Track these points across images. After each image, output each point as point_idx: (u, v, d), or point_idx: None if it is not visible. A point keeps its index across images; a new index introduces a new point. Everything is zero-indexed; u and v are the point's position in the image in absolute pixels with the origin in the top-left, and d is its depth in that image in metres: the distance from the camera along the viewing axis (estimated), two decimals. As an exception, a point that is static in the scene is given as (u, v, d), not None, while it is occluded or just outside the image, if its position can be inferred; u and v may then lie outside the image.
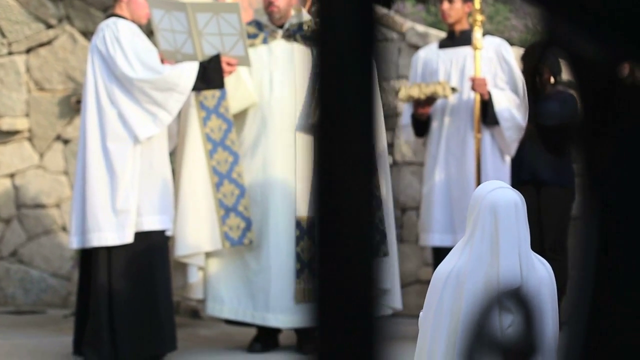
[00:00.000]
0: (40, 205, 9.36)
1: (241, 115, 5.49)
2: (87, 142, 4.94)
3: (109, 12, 6.67)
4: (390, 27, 8.65)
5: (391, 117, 8.23)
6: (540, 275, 2.75)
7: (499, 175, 5.98)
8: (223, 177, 5.29)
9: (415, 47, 7.46)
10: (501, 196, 2.74)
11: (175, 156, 5.47)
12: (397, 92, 5.53)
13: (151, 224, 4.91)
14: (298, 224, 5.39)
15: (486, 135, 5.95)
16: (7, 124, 9.34)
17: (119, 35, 4.96)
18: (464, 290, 2.67)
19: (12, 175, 9.49)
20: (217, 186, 5.28)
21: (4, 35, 9.26)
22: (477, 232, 2.71)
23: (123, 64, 4.88)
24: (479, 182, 5.75)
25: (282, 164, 5.41)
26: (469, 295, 2.66)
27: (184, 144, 5.33)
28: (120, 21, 5.06)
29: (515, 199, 2.75)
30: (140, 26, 5.21)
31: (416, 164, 8.38)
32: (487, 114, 5.83)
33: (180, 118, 5.36)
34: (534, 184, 6.51)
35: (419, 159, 7.49)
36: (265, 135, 5.43)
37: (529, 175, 6.54)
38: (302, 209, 5.39)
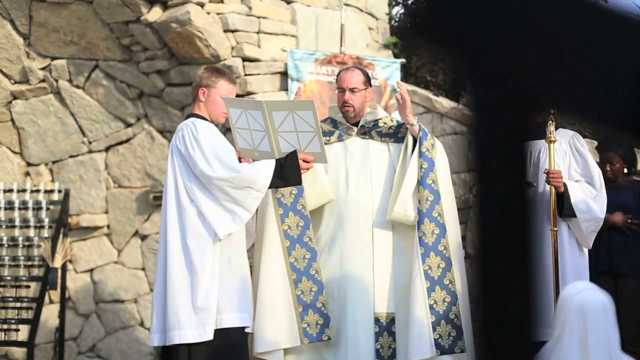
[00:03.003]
0: (118, 301, 9.48)
1: (318, 212, 5.53)
2: (167, 240, 5.01)
3: (187, 112, 6.82)
4: (461, 120, 8.70)
5: (463, 210, 8.22)
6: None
7: (578, 268, 5.91)
8: (301, 273, 5.33)
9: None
10: (589, 298, 2.72)
11: (253, 253, 5.52)
12: (470, 187, 5.52)
13: (231, 321, 4.94)
14: (377, 320, 5.38)
15: (563, 228, 5.90)
16: (86, 221, 9.53)
17: (198, 135, 5.05)
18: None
19: (91, 271, 9.64)
20: (295, 283, 5.31)
21: (84, 134, 9.51)
22: (565, 335, 2.68)
23: (202, 163, 4.96)
24: (557, 276, 5.68)
25: (359, 260, 5.42)
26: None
27: (262, 241, 5.38)
28: (198, 121, 5.16)
29: (603, 300, 2.73)
30: (217, 125, 5.31)
31: (491, 256, 8.34)
32: (563, 207, 5.79)
33: (258, 215, 5.42)
34: (612, 275, 6.43)
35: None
36: (342, 231, 5.46)
37: (606, 266, 6.46)
38: (380, 305, 5.38)
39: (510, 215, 1.37)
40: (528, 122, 1.40)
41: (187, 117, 5.30)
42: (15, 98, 9.53)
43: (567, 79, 1.30)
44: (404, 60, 9.55)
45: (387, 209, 5.43)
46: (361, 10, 10.25)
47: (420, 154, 5.38)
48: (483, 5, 1.31)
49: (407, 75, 10.13)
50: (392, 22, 11.66)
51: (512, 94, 1.33)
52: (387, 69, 9.10)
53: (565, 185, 5.77)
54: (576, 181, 5.93)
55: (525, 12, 1.29)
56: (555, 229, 5.76)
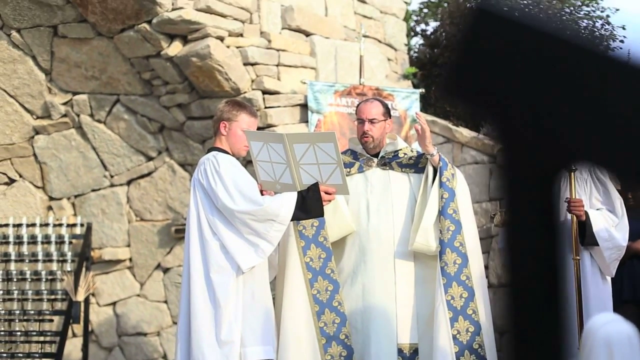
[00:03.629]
0: (141, 334, 9.49)
1: (340, 244, 5.54)
2: (191, 273, 5.03)
3: (208, 145, 6.86)
4: (481, 149, 8.71)
5: (485, 239, 8.20)
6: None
7: (601, 296, 5.88)
8: (324, 305, 5.33)
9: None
10: (615, 330, 2.71)
11: (275, 285, 5.53)
12: (491, 217, 5.52)
13: (255, 355, 4.94)
14: (400, 351, 5.37)
15: (585, 257, 5.88)
16: (109, 254, 9.58)
17: (220, 168, 5.07)
18: None
19: (113, 304, 9.67)
20: (318, 315, 5.31)
21: (106, 168, 9.57)
22: (591, 366, 2.68)
23: (224, 196, 4.98)
24: (580, 304, 5.66)
25: (382, 291, 5.42)
26: None
27: (285, 273, 5.39)
28: (220, 154, 5.18)
29: (629, 332, 2.72)
30: (238, 158, 5.34)
31: (513, 285, 8.31)
32: (585, 235, 5.77)
33: (280, 247, 5.43)
34: (635, 303, 6.40)
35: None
36: (364, 262, 5.47)
37: (630, 294, 6.43)
38: (403, 336, 5.37)
39: (539, 253, 1.39)
40: (557, 174, 1.42)
41: (209, 150, 5.34)
42: (37, 133, 9.61)
43: (596, 134, 1.32)
44: (423, 90, 9.58)
45: (409, 239, 5.44)
46: (380, 42, 10.31)
47: (441, 184, 5.39)
48: (509, 64, 1.34)
49: (427, 105, 10.16)
50: (411, 52, 11.71)
51: (541, 149, 1.35)
52: (407, 100, 9.13)
53: (586, 213, 5.76)
54: (597, 209, 5.91)
55: (553, 68, 1.31)
56: (578, 257, 5.74)
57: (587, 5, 11.56)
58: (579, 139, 1.34)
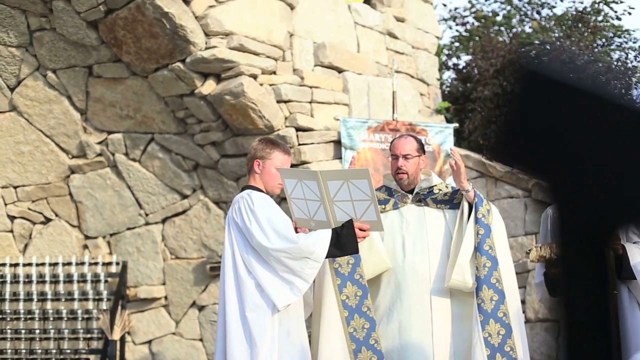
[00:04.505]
0: (177, 372, 9.48)
1: (375, 281, 5.52)
2: (226, 312, 5.02)
3: (242, 182, 6.88)
4: (515, 183, 8.66)
5: (521, 273, 8.14)
6: None
7: (639, 331, 5.80)
8: (360, 343, 5.29)
9: (542, 203, 7.43)
10: None
11: (311, 323, 5.50)
12: (527, 252, 5.47)
13: (291, 392, 4.92)
14: (437, 388, 5.32)
15: (623, 291, 5.81)
16: (144, 292, 9.60)
17: (254, 206, 5.07)
18: None
19: (149, 342, 9.68)
20: (355, 353, 5.27)
21: (141, 207, 9.63)
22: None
23: (259, 234, 4.97)
24: (618, 340, 5.58)
25: (418, 328, 5.38)
26: None
27: (320, 311, 5.37)
28: (254, 193, 5.18)
29: None
30: (272, 196, 5.34)
31: (550, 321, 8.23)
32: (623, 269, 5.71)
33: (316, 285, 5.41)
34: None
35: (553, 316, 7.34)
36: (400, 299, 5.43)
37: (670, 329, 6.33)
38: (441, 373, 5.33)
39: (593, 308, 1.39)
40: (610, 233, 1.41)
41: (243, 189, 5.34)
42: (73, 172, 9.69)
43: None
44: (456, 124, 9.56)
45: (445, 276, 5.40)
46: (412, 77, 10.32)
47: (477, 220, 5.36)
48: (559, 126, 1.33)
49: (460, 139, 10.14)
50: (443, 87, 11.71)
51: (593, 211, 1.34)
52: (440, 134, 9.12)
53: (623, 247, 5.70)
54: (634, 243, 5.85)
55: (603, 130, 1.31)
56: (615, 292, 5.67)
57: (620, 37, 11.53)
58: (630, 202, 1.33)
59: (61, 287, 9.19)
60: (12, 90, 9.41)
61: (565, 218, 1.37)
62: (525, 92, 1.35)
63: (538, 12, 13.77)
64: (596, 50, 10.77)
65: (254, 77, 8.52)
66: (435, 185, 5.67)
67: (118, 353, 8.59)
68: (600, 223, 1.37)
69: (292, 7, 9.03)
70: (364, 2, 10.40)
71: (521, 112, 1.34)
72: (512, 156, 1.39)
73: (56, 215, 9.86)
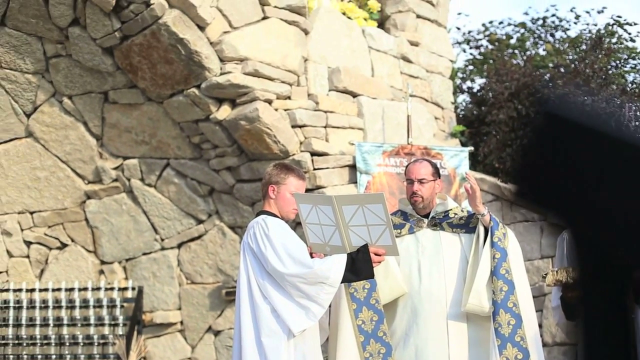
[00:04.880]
0: (193, 397, 9.46)
1: (391, 306, 5.50)
2: (242, 337, 5.01)
3: (258, 207, 6.89)
4: (531, 207, 8.64)
5: (538, 297, 8.10)
6: None
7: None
8: (376, 368, 5.28)
9: (558, 227, 7.40)
10: None
11: (327, 348, 5.49)
12: (543, 276, 5.45)
13: (307, 418, 4.90)
14: (454, 413, 5.29)
15: (640, 315, 5.78)
16: (160, 317, 9.60)
17: (269, 232, 5.07)
18: None
19: (165, 368, 9.67)
20: (371, 378, 5.26)
21: (156, 232, 9.64)
22: None
23: (274, 260, 4.97)
24: (637, 363, 5.55)
25: (435, 353, 5.35)
26: None
27: (337, 336, 5.35)
28: (269, 218, 5.18)
29: None
30: (287, 221, 5.34)
31: (568, 345, 8.18)
32: (639, 294, 5.68)
33: (331, 310, 5.40)
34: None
35: (571, 339, 7.30)
36: (416, 324, 5.41)
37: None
38: (458, 398, 5.30)
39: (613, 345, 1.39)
40: (631, 276, 1.41)
41: (258, 214, 5.34)
42: (89, 198, 9.73)
43: None
44: (471, 148, 9.56)
45: (461, 300, 5.38)
46: (427, 100, 10.33)
47: (493, 244, 5.34)
48: (579, 167, 1.34)
49: (475, 162, 10.13)
50: (458, 110, 11.71)
51: (614, 253, 1.34)
52: (456, 158, 9.11)
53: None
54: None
55: (624, 172, 1.31)
56: (633, 316, 5.64)
57: (634, 59, 11.51)
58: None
59: (77, 313, 9.20)
60: (28, 116, 9.46)
61: (583, 247, 1.37)
62: (544, 134, 1.35)
63: (552, 35, 13.78)
64: (610, 72, 10.76)
65: (269, 102, 8.55)
66: (451, 210, 5.66)
67: (134, 378, 8.58)
68: (620, 262, 1.36)
69: (306, 32, 9.06)
70: (378, 26, 10.43)
71: (541, 154, 1.34)
72: (532, 196, 1.39)
73: (72, 240, 9.89)
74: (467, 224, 5.57)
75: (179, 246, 9.65)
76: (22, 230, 9.89)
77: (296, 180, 5.32)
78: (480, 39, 14.03)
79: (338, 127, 8.96)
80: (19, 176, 9.66)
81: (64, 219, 9.83)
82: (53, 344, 9.06)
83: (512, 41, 13.92)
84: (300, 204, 5.09)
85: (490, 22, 14.25)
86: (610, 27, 11.40)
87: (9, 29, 8.86)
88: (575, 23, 13.45)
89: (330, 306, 5.24)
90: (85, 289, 9.33)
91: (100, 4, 8.17)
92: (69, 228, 9.86)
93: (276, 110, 8.59)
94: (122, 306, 9.20)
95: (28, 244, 9.93)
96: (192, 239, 9.59)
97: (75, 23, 8.64)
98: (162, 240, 9.68)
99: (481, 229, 5.43)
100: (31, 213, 9.85)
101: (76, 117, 9.38)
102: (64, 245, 9.92)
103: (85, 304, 9.21)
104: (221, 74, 8.37)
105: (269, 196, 5.30)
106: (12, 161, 9.60)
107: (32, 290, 9.45)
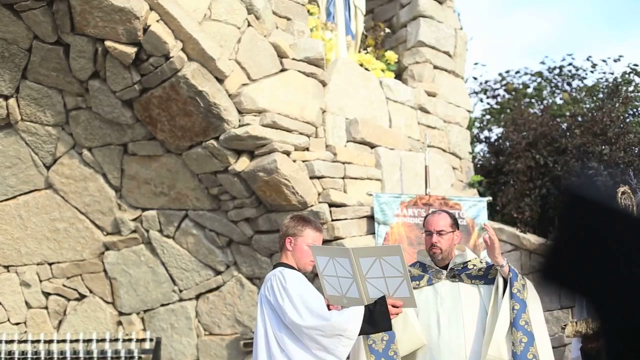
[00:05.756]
0: None
1: (410, 358, 5.47)
2: (260, 390, 4.99)
3: (276, 258, 6.89)
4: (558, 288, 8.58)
5: (557, 348, 8.03)
6: None
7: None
8: (395, 421, 5.24)
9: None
10: None
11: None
12: (563, 327, 5.42)
13: None
14: None
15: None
16: (178, 369, 9.56)
17: (286, 284, 5.06)
18: None
19: (183, 420, 9.61)
20: None
21: (175, 283, 9.64)
22: None
23: (291, 312, 4.96)
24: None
25: (455, 405, 5.32)
26: None
27: (355, 389, 5.33)
28: (286, 270, 5.18)
29: None
30: (305, 273, 5.33)
31: (590, 396, 8.10)
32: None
33: (350, 362, 5.38)
34: None
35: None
36: (435, 377, 5.39)
37: None
38: None
39: None
40: None
41: (275, 266, 5.34)
42: (107, 249, 9.75)
43: None
44: (490, 198, 9.54)
45: (481, 352, 5.35)
46: (444, 151, 10.34)
47: (512, 296, 5.32)
48: (606, 249, 1.34)
49: (494, 212, 10.11)
50: (476, 160, 11.71)
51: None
52: (474, 208, 9.09)
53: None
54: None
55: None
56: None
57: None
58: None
59: (95, 364, 9.18)
60: (48, 168, 9.53)
61: (612, 342, 1.37)
62: (571, 218, 1.35)
63: (569, 84, 13.80)
64: (628, 120, 10.75)
65: (287, 153, 8.58)
66: (470, 261, 5.65)
67: None
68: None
69: (324, 84, 9.12)
70: (396, 77, 10.49)
71: (568, 237, 1.35)
72: (560, 281, 1.39)
73: (90, 291, 9.90)
74: (486, 275, 5.55)
75: (197, 297, 9.64)
76: (40, 281, 9.91)
77: (313, 232, 5.32)
78: (497, 89, 14.07)
79: (356, 178, 8.98)
80: (38, 227, 9.71)
81: (82, 270, 9.85)
82: (71, 396, 9.04)
83: (529, 90, 13.95)
84: (317, 256, 5.09)
85: (507, 72, 14.30)
86: (627, 76, 11.41)
87: (30, 82, 8.95)
88: (591, 72, 13.46)
89: (348, 358, 5.21)
90: (103, 340, 9.32)
91: (120, 57, 8.26)
92: (88, 279, 9.87)
93: (294, 161, 8.62)
94: (140, 357, 9.17)
95: (46, 295, 9.95)
96: (210, 290, 9.58)
97: (95, 76, 8.73)
98: (180, 291, 9.67)
99: (500, 280, 5.41)
100: (50, 264, 9.88)
101: (95, 168, 9.44)
102: (82, 297, 9.93)
103: (103, 356, 9.19)
104: (240, 125, 8.42)
105: (286, 248, 5.30)
106: (32, 212, 9.65)
107: (50, 341, 9.44)
